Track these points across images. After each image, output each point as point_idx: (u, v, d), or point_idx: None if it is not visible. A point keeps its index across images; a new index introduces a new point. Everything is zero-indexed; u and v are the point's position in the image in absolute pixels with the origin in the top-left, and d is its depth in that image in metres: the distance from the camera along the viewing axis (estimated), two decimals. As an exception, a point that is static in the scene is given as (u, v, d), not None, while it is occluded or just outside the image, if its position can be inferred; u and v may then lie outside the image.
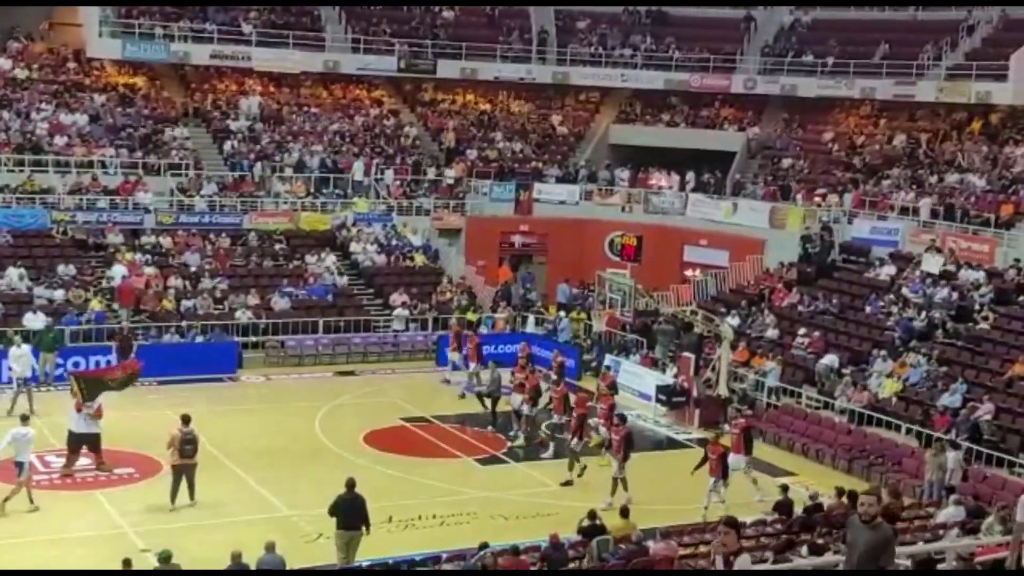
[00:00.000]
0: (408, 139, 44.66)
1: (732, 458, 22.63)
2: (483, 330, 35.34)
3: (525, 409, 26.70)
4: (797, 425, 28.06)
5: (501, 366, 29.05)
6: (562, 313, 36.67)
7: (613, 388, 28.63)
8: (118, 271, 33.37)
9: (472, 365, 30.77)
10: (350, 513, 18.20)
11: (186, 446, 21.04)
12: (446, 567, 17.04)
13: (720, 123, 46.10)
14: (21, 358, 27.31)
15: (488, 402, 28.34)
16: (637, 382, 31.37)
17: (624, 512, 18.98)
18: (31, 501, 20.63)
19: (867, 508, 9.59)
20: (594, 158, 45.71)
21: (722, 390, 29.13)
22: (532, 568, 16.27)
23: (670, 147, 44.22)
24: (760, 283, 36.60)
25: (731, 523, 10.37)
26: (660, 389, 29.93)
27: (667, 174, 43.28)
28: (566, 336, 35.24)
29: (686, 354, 30.25)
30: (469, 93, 48.09)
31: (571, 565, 16.85)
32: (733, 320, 32.91)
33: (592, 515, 18.55)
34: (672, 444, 27.82)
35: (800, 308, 33.82)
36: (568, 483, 23.45)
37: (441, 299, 36.70)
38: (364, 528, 18.25)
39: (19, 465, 20.53)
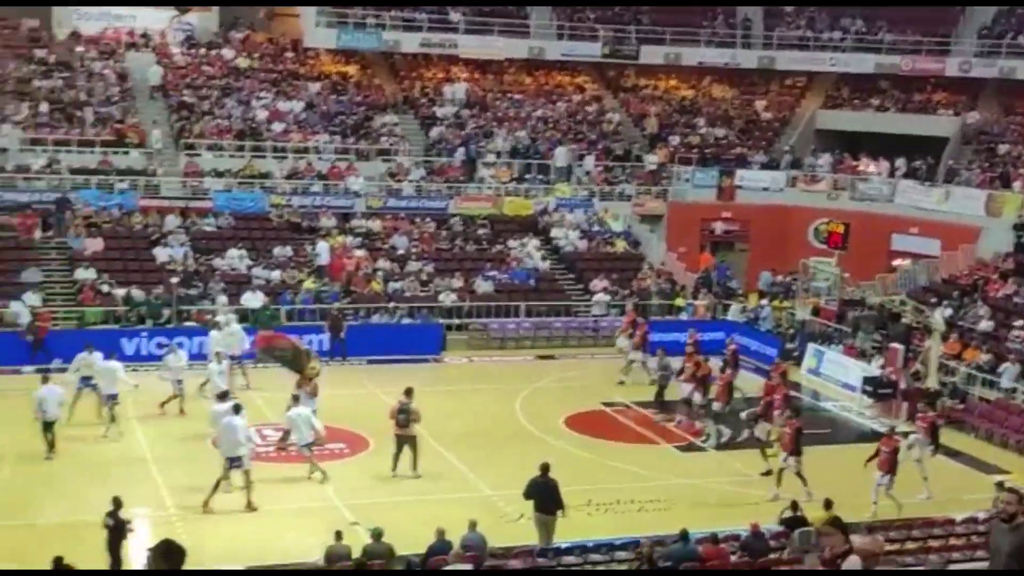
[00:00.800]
0: (610, 125, 44.77)
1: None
2: (684, 316, 35.25)
3: (697, 398, 26.35)
4: (1012, 421, 27.03)
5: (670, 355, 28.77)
6: (764, 301, 36.21)
7: (785, 378, 27.49)
8: (323, 248, 34.64)
9: (639, 354, 30.29)
10: (543, 497, 18.48)
11: (399, 415, 21.88)
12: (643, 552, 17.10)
13: (933, 108, 44.58)
14: (230, 337, 28.15)
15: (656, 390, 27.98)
16: (841, 372, 30.76)
17: (828, 504, 18.68)
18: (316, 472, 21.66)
19: (1006, 507, 8.98)
20: (799, 144, 44.88)
21: (932, 383, 28.27)
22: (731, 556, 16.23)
23: (879, 132, 43.04)
24: (974, 273, 35.30)
25: (836, 523, 9.97)
26: (867, 380, 29.24)
27: (876, 160, 42.14)
28: (768, 325, 34.79)
29: (894, 345, 29.46)
30: (672, 79, 47.84)
31: (772, 556, 16.76)
32: (944, 311, 31.85)
33: (794, 506, 18.38)
34: (877, 436, 27.06)
35: (1016, 300, 32.50)
36: (768, 472, 23.19)
37: (641, 285, 36.72)
38: (560, 512, 18.49)
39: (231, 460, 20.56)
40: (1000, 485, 20.41)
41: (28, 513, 19.62)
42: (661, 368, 28.15)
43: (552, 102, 45.53)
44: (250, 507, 20.10)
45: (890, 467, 21.19)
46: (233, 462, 20.18)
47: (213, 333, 28.18)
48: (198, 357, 27.76)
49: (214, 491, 19.97)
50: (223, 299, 31.71)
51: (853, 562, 9.42)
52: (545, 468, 18.72)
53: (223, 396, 22.57)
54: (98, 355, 24.76)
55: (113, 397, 23.89)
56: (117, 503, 16.88)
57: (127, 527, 16.77)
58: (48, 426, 22.31)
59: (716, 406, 25.63)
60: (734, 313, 35.48)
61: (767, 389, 25.25)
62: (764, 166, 43.30)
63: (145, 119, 38.91)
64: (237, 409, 20.90)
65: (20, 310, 29.92)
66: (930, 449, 22.71)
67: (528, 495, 18.63)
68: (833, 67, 45.49)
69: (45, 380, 22.97)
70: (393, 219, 37.68)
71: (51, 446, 22.36)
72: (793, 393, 26.70)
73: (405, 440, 22.08)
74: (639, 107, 46.30)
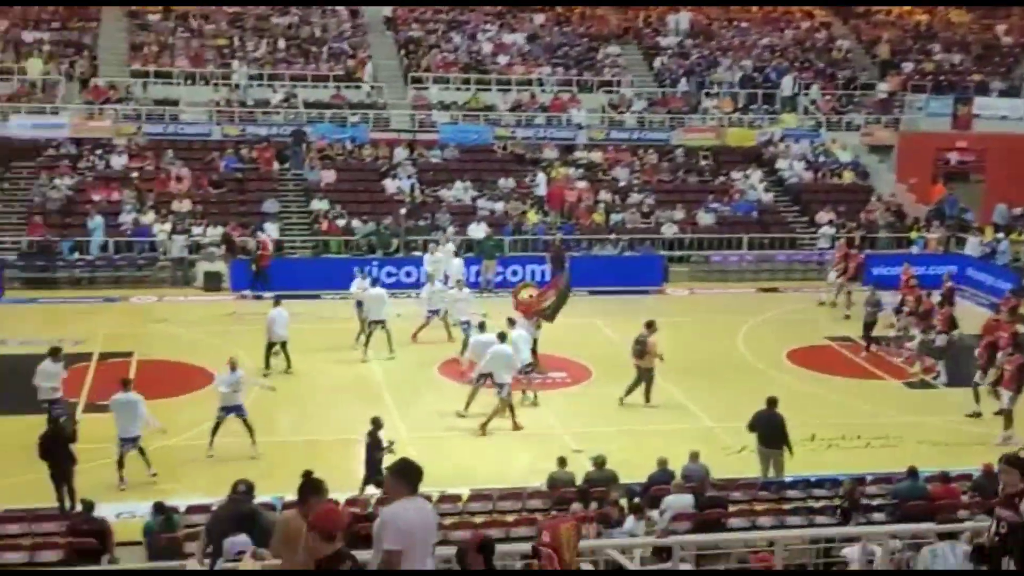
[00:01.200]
0: (840, 52, 43.44)
1: None
2: (914, 250, 34.18)
3: (917, 334, 25.29)
4: None
5: (882, 288, 27.86)
6: (1001, 235, 34.69)
7: (1014, 314, 26.04)
8: (541, 178, 35.03)
9: (846, 283, 29.50)
10: (768, 430, 18.41)
11: (635, 346, 22.26)
12: (870, 489, 16.91)
13: None
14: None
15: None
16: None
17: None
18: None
19: (1010, 487, 8.39)
20: (1043, 70, 42.53)
21: None
22: (962, 495, 15.84)
23: None
24: None
25: (1013, 461, 9.23)
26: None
27: None
28: (1005, 259, 33.35)
29: None
30: (905, 4, 45.91)
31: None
32: None
33: (1030, 448, 17.77)
34: None
35: None
36: (977, 414, 22.26)
37: (870, 217, 35.72)
38: (786, 449, 18.39)
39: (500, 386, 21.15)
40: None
41: (275, 429, 20.73)
42: (870, 304, 27.03)
43: (780, 30, 44.44)
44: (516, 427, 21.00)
45: None
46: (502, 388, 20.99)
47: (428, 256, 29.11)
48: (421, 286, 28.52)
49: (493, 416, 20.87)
50: (451, 229, 32.51)
51: None
52: (772, 402, 18.63)
53: (483, 326, 23.04)
54: (367, 281, 25.74)
55: (380, 323, 24.79)
56: (376, 423, 17.65)
57: (386, 446, 17.50)
58: (272, 346, 23.44)
59: (941, 339, 24.83)
60: (972, 247, 34.07)
61: (988, 327, 23.93)
62: (1003, 93, 41.20)
63: (375, 55, 40.00)
64: (502, 337, 21.49)
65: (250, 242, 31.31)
66: None
67: (752, 427, 18.60)
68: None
69: (277, 303, 24.09)
70: (615, 151, 37.71)
71: (270, 364, 23.42)
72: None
73: (639, 371, 22.31)
74: (871, 33, 44.68)
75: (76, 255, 31.11)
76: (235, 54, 39.16)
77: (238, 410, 19.38)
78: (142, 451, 18.17)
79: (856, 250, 31.66)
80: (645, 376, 22.38)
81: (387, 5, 42.28)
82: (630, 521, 14.61)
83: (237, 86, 37.56)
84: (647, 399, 22.39)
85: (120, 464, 17.91)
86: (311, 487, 8.69)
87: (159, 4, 40.79)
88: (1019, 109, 40.20)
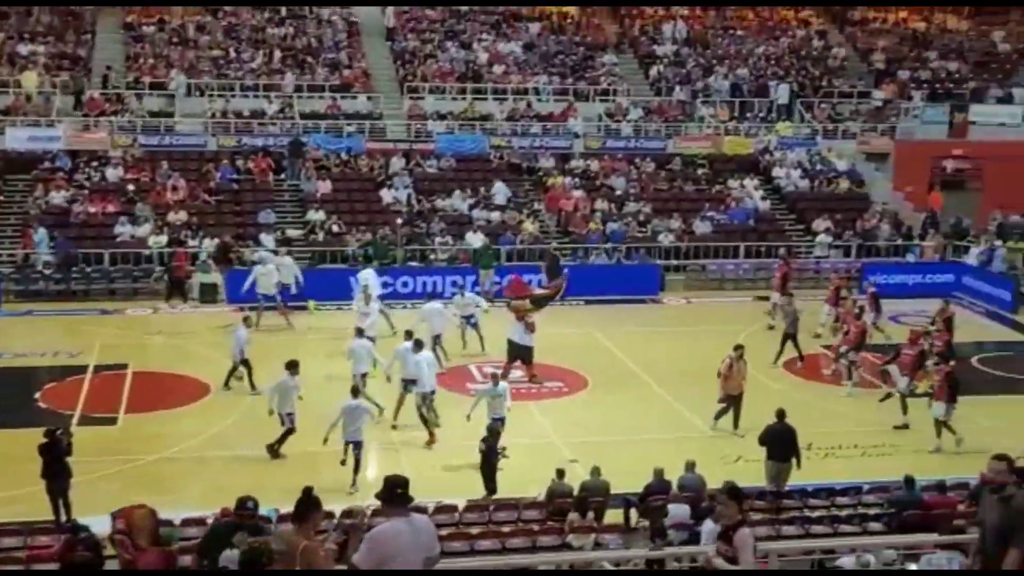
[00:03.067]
0: (836, 60, 43.48)
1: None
2: (911, 258, 34.21)
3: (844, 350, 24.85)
4: None
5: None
6: (997, 242, 34.68)
7: (949, 324, 25.94)
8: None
9: (776, 296, 29.11)
10: (780, 444, 18.30)
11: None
12: (867, 498, 16.90)
13: None
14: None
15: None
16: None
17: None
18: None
19: (995, 476, 8.10)
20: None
21: None
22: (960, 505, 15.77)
23: None
24: None
25: (732, 493, 9.19)
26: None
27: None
28: (1000, 267, 33.34)
29: None
30: (902, 11, 46.02)
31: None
32: None
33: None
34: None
35: None
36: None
37: (866, 226, 35.71)
38: (795, 461, 18.29)
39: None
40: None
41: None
42: (788, 314, 26.54)
43: (775, 38, 44.49)
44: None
45: None
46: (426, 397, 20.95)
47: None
48: (420, 296, 28.55)
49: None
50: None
51: (744, 536, 8.91)
52: (781, 414, 18.51)
53: (409, 335, 22.30)
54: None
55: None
56: (492, 431, 18.21)
57: (501, 453, 18.20)
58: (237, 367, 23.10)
59: (851, 354, 24.43)
60: (973, 256, 33.95)
61: (914, 336, 23.34)
62: (1000, 100, 41.24)
63: (371, 64, 40.01)
64: (419, 344, 21.38)
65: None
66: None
67: (763, 441, 18.49)
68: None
69: (246, 320, 24.04)
70: (611, 159, 37.71)
71: (227, 383, 23.17)
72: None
73: (726, 397, 21.63)
74: (867, 41, 44.73)
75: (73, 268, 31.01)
76: (231, 65, 39.19)
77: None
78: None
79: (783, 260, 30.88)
80: (731, 401, 21.57)
81: (386, 5, 42.25)
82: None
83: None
84: (735, 425, 21.57)
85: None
86: (312, 504, 8.67)
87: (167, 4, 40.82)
88: (1016, 116, 40.24)
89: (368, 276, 27.35)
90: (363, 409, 19.04)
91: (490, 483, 17.98)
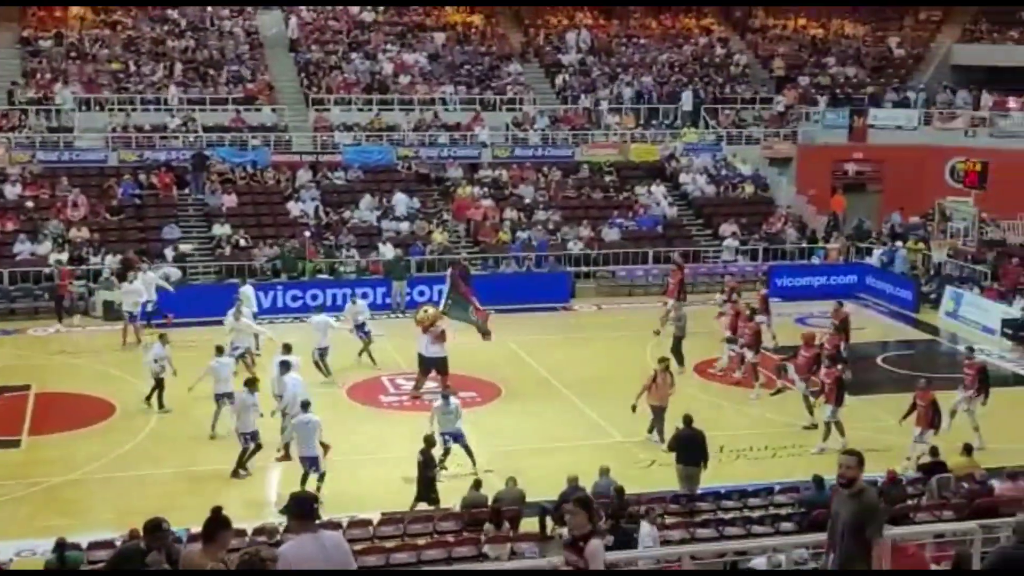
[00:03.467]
0: (738, 67, 44.09)
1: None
2: (815, 260, 34.82)
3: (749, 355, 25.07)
4: None
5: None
6: (898, 243, 35.41)
7: (844, 326, 26.25)
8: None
9: (671, 301, 29.09)
10: (690, 448, 18.45)
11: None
12: (778, 499, 17.11)
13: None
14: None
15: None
16: (981, 315, 30.02)
17: (967, 450, 18.40)
18: None
19: (844, 471, 8.37)
20: (933, 81, 43.56)
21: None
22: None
23: (1021, 67, 41.51)
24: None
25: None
26: (1006, 323, 28.51)
27: (1018, 95, 40.68)
28: (901, 267, 34.06)
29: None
30: (800, 18, 46.83)
31: (909, 502, 16.54)
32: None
33: (934, 452, 18.11)
34: (1018, 380, 26.52)
35: None
36: (813, 426, 22.29)
37: (772, 229, 36.24)
38: (702, 464, 18.46)
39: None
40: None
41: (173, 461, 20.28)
42: (676, 319, 26.89)
43: (678, 46, 44.98)
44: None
45: (929, 421, 20.20)
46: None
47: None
48: (332, 309, 28.29)
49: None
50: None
51: (595, 547, 8.70)
52: (689, 420, 18.70)
53: (287, 349, 22.15)
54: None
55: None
56: (428, 442, 18.18)
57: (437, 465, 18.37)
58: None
59: (750, 356, 24.82)
60: (876, 257, 34.61)
61: (808, 339, 23.59)
62: (897, 104, 42.16)
63: (275, 76, 39.62)
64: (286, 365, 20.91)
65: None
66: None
67: (673, 447, 18.61)
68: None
69: (162, 338, 23.40)
70: (520, 168, 37.77)
71: (148, 399, 22.83)
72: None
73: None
74: (767, 48, 45.46)
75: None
76: (131, 78, 38.51)
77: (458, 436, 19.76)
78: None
79: (676, 265, 31.09)
80: (658, 413, 21.37)
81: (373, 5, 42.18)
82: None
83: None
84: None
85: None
86: (221, 523, 8.55)
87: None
88: (913, 119, 41.14)
89: (248, 292, 27.20)
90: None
91: (430, 493, 17.80)
